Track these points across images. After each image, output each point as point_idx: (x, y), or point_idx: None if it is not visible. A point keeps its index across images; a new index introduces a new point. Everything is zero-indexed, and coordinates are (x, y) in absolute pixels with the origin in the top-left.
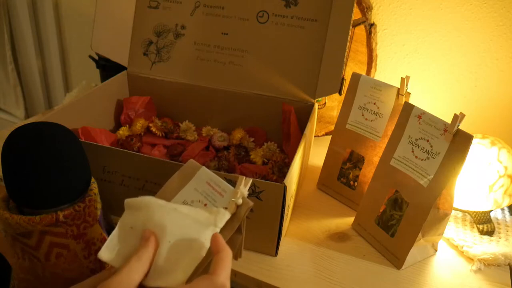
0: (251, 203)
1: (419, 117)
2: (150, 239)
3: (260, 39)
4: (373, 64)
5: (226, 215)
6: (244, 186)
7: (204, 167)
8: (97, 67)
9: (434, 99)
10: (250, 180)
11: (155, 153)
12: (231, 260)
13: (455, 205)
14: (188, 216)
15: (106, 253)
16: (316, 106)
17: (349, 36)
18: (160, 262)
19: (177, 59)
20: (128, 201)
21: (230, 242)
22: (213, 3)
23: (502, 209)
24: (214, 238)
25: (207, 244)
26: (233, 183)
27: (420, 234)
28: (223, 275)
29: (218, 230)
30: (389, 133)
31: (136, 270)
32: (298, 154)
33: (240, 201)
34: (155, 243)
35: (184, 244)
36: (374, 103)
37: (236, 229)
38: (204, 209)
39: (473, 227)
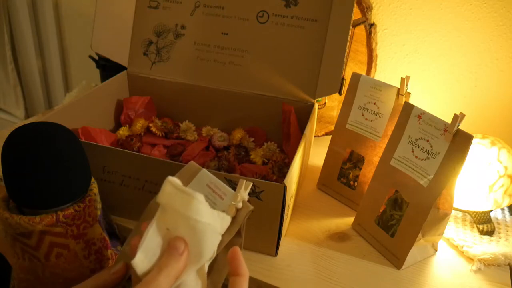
0: (251, 207)
1: (419, 117)
2: (184, 254)
3: (260, 39)
4: (373, 64)
5: (228, 221)
6: (245, 189)
7: (204, 169)
8: (97, 67)
9: (434, 99)
10: (251, 184)
11: (155, 153)
12: (247, 284)
13: (455, 205)
14: (216, 231)
15: (140, 261)
16: (316, 106)
17: (349, 36)
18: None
19: (177, 59)
20: (161, 200)
21: (229, 246)
22: (213, 3)
23: (502, 209)
24: (234, 255)
25: (216, 252)
26: (233, 183)
27: (420, 234)
28: None
29: (220, 236)
30: (389, 133)
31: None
32: (298, 154)
33: (240, 204)
34: (187, 258)
35: (207, 264)
36: (374, 103)
37: (236, 232)
38: (217, 216)
39: (473, 227)
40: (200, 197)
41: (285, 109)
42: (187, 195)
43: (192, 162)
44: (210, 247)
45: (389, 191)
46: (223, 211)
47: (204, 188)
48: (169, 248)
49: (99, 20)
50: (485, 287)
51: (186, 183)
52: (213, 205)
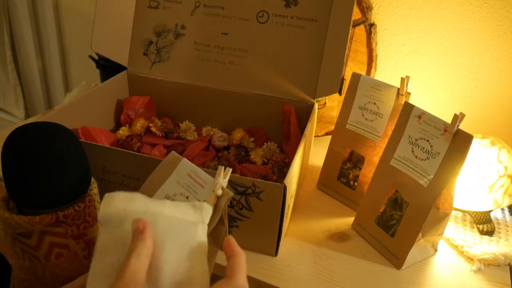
0: (231, 194)
1: (419, 117)
2: (145, 231)
3: (260, 39)
4: (373, 64)
5: (210, 210)
6: (224, 177)
7: (185, 159)
8: (97, 67)
9: (434, 99)
10: (230, 170)
11: (155, 153)
12: (245, 262)
13: (455, 205)
14: (175, 219)
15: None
16: (316, 106)
17: (349, 36)
18: (172, 275)
19: (177, 59)
20: (101, 217)
21: (213, 234)
22: (213, 3)
23: (502, 209)
24: (227, 242)
25: (205, 242)
26: (233, 183)
27: (420, 234)
28: (243, 278)
29: (206, 226)
30: (389, 133)
31: (139, 270)
32: (298, 154)
33: (220, 192)
34: (152, 234)
35: (187, 251)
36: (374, 103)
37: (219, 220)
38: (187, 205)
39: (473, 227)
40: (139, 195)
41: (285, 109)
42: (127, 194)
43: (173, 152)
44: (174, 231)
45: (389, 191)
46: (204, 200)
47: (185, 177)
48: (133, 232)
49: (99, 20)
50: (485, 287)
51: (168, 174)
52: (195, 194)
